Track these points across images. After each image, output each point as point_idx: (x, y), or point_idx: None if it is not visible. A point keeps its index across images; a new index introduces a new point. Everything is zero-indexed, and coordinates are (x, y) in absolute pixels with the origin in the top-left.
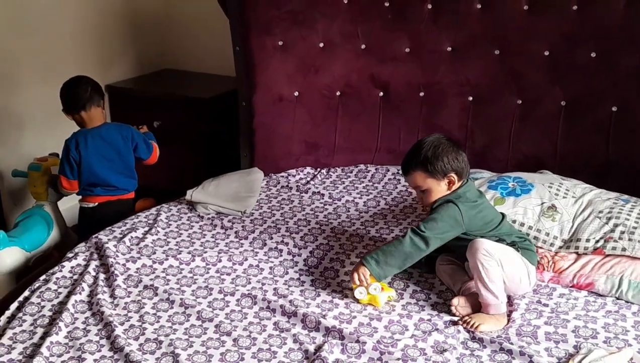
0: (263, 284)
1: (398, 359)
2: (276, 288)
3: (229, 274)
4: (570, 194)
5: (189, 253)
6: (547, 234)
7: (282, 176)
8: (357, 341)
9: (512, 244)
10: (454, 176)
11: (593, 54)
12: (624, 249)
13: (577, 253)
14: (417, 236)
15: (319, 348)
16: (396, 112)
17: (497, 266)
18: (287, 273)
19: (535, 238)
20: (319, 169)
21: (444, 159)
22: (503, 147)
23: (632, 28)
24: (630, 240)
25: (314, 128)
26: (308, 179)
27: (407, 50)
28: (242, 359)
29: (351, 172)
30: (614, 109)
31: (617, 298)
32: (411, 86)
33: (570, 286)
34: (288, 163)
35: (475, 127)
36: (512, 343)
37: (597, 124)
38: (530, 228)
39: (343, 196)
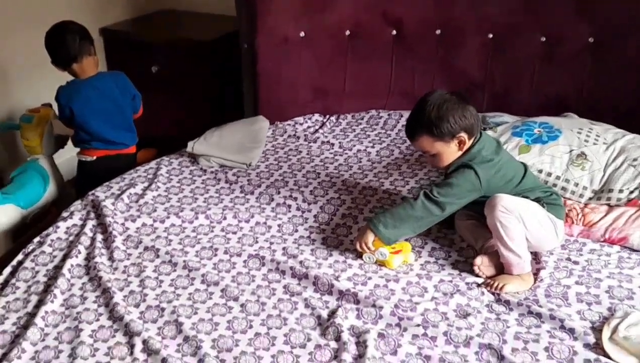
0: (271, 243)
1: (418, 325)
2: (285, 248)
3: (234, 233)
4: (601, 140)
5: (191, 210)
6: (576, 184)
7: (289, 125)
8: (374, 305)
9: (537, 200)
10: (463, 135)
11: None
12: None
13: (609, 204)
14: (430, 201)
15: (332, 314)
16: (410, 52)
17: (518, 223)
18: (296, 230)
19: (563, 188)
20: (327, 117)
21: (450, 118)
22: (525, 89)
23: None
24: None
25: (321, 72)
26: (316, 127)
27: None
28: (251, 327)
29: (362, 119)
30: None
31: None
32: (426, 24)
33: (602, 241)
34: (295, 110)
35: (496, 67)
36: (540, 306)
37: (627, 63)
38: (557, 178)
39: (354, 146)
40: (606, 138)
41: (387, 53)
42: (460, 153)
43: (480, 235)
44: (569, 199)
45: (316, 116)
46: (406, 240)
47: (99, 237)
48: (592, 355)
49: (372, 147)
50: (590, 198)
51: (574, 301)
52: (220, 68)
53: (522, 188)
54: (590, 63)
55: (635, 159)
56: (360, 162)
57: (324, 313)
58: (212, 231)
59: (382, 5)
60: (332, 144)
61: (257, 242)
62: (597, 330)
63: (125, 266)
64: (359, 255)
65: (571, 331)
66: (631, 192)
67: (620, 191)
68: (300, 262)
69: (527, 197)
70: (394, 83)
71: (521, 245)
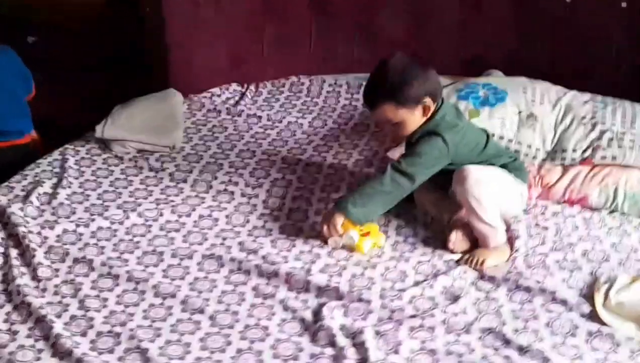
0: (224, 239)
1: (413, 316)
2: (241, 242)
3: (177, 230)
4: (546, 99)
5: (118, 208)
6: (529, 146)
7: (205, 97)
8: (360, 300)
9: (503, 166)
10: (428, 100)
11: None
12: (614, 157)
13: (563, 165)
14: (398, 173)
15: (316, 315)
16: (330, 13)
17: (490, 193)
18: (247, 221)
19: (517, 151)
20: (246, 86)
21: (414, 83)
22: (448, 48)
23: None
24: (620, 147)
25: (237, 36)
26: (236, 98)
27: None
28: (229, 343)
29: (283, 86)
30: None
31: (611, 211)
32: None
33: (562, 202)
34: (209, 80)
35: (418, 27)
36: (526, 278)
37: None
38: (510, 141)
39: (284, 117)
40: (550, 96)
41: (305, 14)
42: (423, 120)
43: (446, 207)
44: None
45: (234, 86)
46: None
47: (13, 253)
48: (593, 327)
49: (303, 118)
50: (543, 159)
51: (556, 269)
52: (118, 37)
53: (486, 154)
54: (512, 20)
55: (583, 118)
56: (295, 135)
57: (307, 315)
58: (150, 232)
59: None
60: (260, 117)
61: (206, 239)
62: (587, 297)
63: (55, 286)
64: (324, 241)
65: (564, 302)
66: (584, 151)
67: (574, 150)
68: (263, 257)
69: (492, 164)
70: (314, 45)
71: (495, 215)
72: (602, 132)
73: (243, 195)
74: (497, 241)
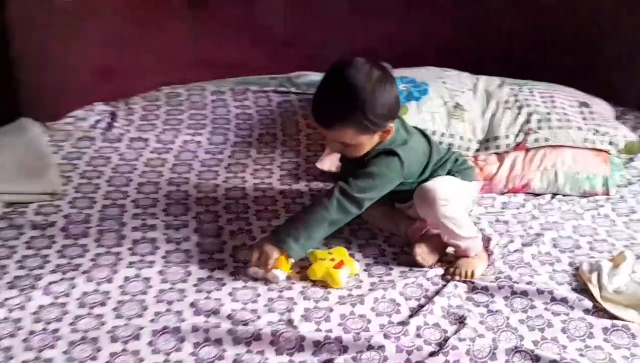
0: (169, 303)
1: (434, 354)
2: (194, 303)
3: (103, 304)
4: (465, 87)
5: (11, 288)
6: (461, 137)
7: (68, 123)
8: (370, 347)
9: (449, 173)
10: (391, 125)
11: None
12: (546, 139)
13: (497, 153)
14: (347, 198)
15: None
16: (209, 11)
17: (459, 208)
18: (189, 273)
19: (450, 144)
20: (113, 104)
21: (381, 107)
22: (336, 43)
23: None
24: (549, 128)
25: (103, 46)
26: (107, 120)
27: None
28: None
29: (157, 100)
30: None
31: (554, 194)
32: None
33: (505, 192)
34: (68, 102)
35: (303, 22)
36: (516, 282)
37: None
38: (442, 134)
39: (176, 137)
40: (466, 83)
41: (183, 14)
42: (378, 140)
43: (400, 219)
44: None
45: (99, 106)
46: (324, 245)
47: None
48: (604, 323)
49: (199, 134)
50: (477, 150)
51: (537, 265)
52: None
53: (432, 164)
54: (400, 11)
55: (507, 102)
56: (197, 157)
57: None
58: (67, 312)
59: None
60: (146, 140)
61: (146, 309)
62: (580, 291)
63: None
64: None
65: (564, 301)
66: (517, 136)
67: (506, 136)
68: (230, 317)
69: (439, 174)
70: (193, 50)
71: (470, 226)
72: (529, 115)
73: (169, 241)
74: (477, 248)
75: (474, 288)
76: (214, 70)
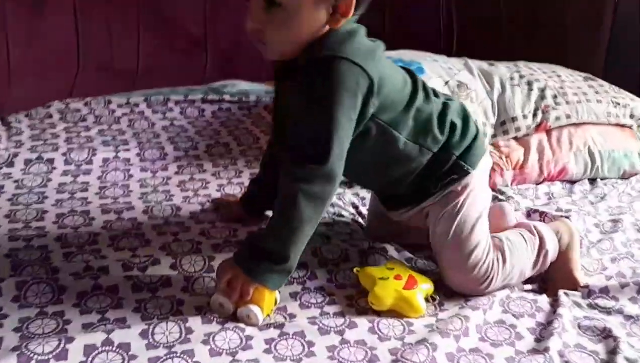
0: None
1: None
2: None
3: None
4: (455, 66)
5: None
6: (475, 121)
7: None
8: None
9: (446, 153)
10: None
11: None
12: (568, 116)
13: (516, 137)
14: (309, 183)
15: None
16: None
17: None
18: (168, 333)
19: None
20: None
21: None
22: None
23: None
24: (568, 103)
25: None
26: None
27: None
28: None
29: (48, 117)
30: None
31: (592, 180)
32: None
33: (541, 181)
34: None
35: (219, 20)
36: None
37: None
38: None
39: (94, 153)
40: (454, 64)
41: (67, 5)
42: (324, 29)
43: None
44: None
45: None
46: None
47: None
48: None
49: (125, 150)
50: (493, 136)
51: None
52: None
53: (418, 111)
54: None
55: (512, 78)
56: (132, 176)
57: None
58: None
59: None
60: (51, 161)
61: None
62: None
63: None
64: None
65: None
66: (534, 115)
67: (524, 116)
68: None
69: (428, 132)
70: (83, 51)
71: (518, 241)
72: (542, 90)
73: (138, 288)
74: (551, 250)
75: (589, 293)
76: (109, 76)
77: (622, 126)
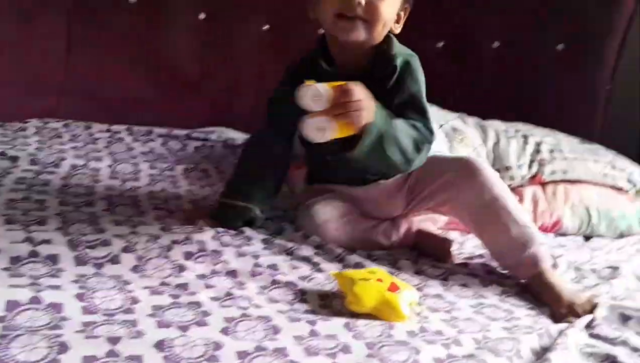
0: None
1: None
2: None
3: None
4: (449, 115)
5: None
6: None
7: None
8: None
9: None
10: (409, 8)
11: None
12: (564, 171)
13: (510, 186)
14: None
15: None
16: (94, 25)
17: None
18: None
19: None
20: None
21: None
22: (250, 88)
23: None
24: (564, 159)
25: None
26: None
27: None
28: None
29: (23, 131)
30: None
31: (587, 237)
32: None
33: None
34: None
35: (213, 60)
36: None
37: None
38: None
39: (63, 159)
40: (447, 113)
41: (59, 24)
42: (382, 36)
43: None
44: None
45: None
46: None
47: None
48: None
49: (97, 160)
50: None
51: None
52: None
53: None
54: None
55: (507, 131)
56: (100, 181)
57: None
58: None
59: None
60: (14, 158)
61: None
62: None
63: None
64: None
65: None
66: (529, 166)
67: (519, 166)
68: None
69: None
70: (71, 73)
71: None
72: (538, 144)
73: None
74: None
75: (591, 322)
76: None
77: (620, 189)
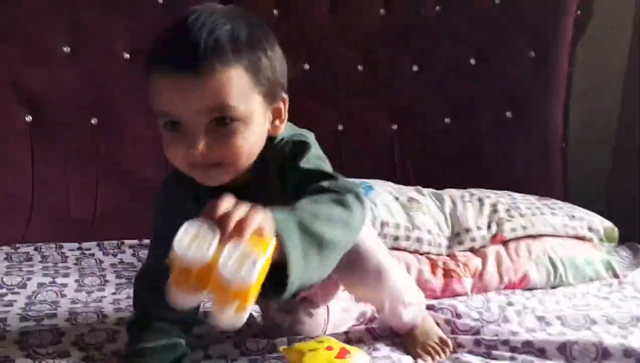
0: None
1: None
2: None
3: None
4: (405, 188)
5: None
6: (429, 231)
7: None
8: None
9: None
10: (284, 97)
11: None
12: (524, 227)
13: (472, 248)
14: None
15: None
16: (58, 146)
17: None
18: None
19: (418, 239)
20: None
21: (278, 54)
22: None
23: None
24: (522, 216)
25: None
26: None
27: (67, 49)
28: None
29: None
30: None
31: (553, 287)
32: (77, 108)
33: (502, 289)
34: None
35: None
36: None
37: None
38: (408, 228)
39: (29, 279)
40: (403, 186)
41: (22, 150)
42: (266, 135)
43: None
44: (428, 253)
45: None
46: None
47: None
48: None
49: (64, 276)
50: (448, 246)
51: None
52: None
53: None
54: None
55: (462, 196)
56: (65, 295)
57: None
58: None
59: (10, 72)
60: None
61: None
62: None
63: None
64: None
65: None
66: (489, 227)
67: (479, 228)
68: None
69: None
70: (38, 196)
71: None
72: (494, 205)
73: None
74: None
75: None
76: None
77: (582, 238)
